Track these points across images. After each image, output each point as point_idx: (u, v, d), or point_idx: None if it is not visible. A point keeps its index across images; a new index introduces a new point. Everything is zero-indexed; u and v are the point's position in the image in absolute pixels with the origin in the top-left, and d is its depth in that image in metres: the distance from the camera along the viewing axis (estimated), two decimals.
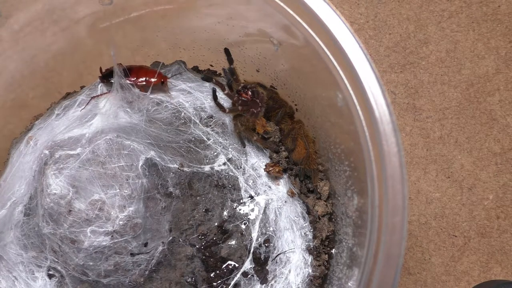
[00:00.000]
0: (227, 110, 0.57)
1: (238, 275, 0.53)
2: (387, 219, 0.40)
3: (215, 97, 0.57)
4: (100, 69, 0.58)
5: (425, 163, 0.75)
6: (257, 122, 0.56)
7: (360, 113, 0.42)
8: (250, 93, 0.55)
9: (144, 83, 0.56)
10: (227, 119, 0.58)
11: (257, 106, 0.55)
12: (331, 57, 0.44)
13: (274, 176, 0.56)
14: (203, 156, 0.56)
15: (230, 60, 0.57)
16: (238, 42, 0.57)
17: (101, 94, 0.57)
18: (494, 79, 0.77)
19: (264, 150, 0.58)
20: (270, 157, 0.57)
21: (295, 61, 0.55)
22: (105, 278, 0.51)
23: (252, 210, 0.55)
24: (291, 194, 0.56)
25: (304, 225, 0.55)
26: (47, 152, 0.53)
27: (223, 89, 0.58)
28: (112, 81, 0.56)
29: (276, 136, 0.58)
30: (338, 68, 0.43)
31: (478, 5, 0.78)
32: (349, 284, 0.48)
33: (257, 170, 0.56)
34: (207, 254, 0.54)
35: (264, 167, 0.56)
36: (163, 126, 0.56)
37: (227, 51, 0.57)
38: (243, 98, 0.55)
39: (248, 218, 0.55)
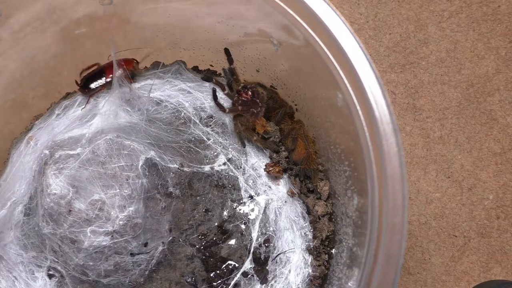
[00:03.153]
0: (227, 110, 0.57)
1: (238, 275, 0.53)
2: (387, 219, 0.40)
3: (215, 97, 0.57)
4: (76, 82, 0.58)
5: (425, 163, 0.75)
6: (257, 122, 0.56)
7: (360, 113, 0.42)
8: (250, 93, 0.55)
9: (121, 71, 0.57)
10: (227, 119, 0.58)
11: (257, 106, 0.55)
12: (331, 57, 0.44)
13: (274, 176, 0.56)
14: (203, 156, 0.56)
15: (230, 60, 0.57)
16: (238, 42, 0.57)
17: (99, 90, 0.57)
18: (494, 79, 0.77)
19: (264, 150, 0.58)
20: (270, 157, 0.57)
21: (295, 61, 0.55)
22: (105, 278, 0.51)
23: (252, 210, 0.55)
24: (291, 194, 0.56)
25: (304, 225, 0.55)
26: (47, 152, 0.53)
27: (223, 89, 0.58)
28: (93, 86, 0.57)
29: (276, 136, 0.58)
30: (338, 68, 0.43)
31: (478, 5, 0.78)
32: (349, 284, 0.48)
33: (257, 170, 0.56)
34: (207, 254, 0.54)
35: (264, 167, 0.56)
36: (163, 126, 0.56)
37: (227, 51, 0.57)
38: (243, 98, 0.55)
39: (248, 218, 0.55)
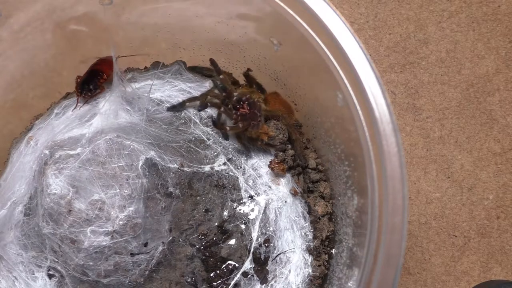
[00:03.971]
0: (228, 129, 0.55)
1: (238, 275, 0.53)
2: (387, 219, 0.40)
3: (215, 124, 0.56)
4: (77, 88, 0.56)
5: (425, 163, 0.75)
6: (260, 132, 0.55)
7: (360, 113, 0.42)
8: (247, 106, 0.53)
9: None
10: (228, 120, 0.58)
11: (257, 117, 0.54)
12: (331, 57, 0.44)
13: (276, 173, 0.56)
14: (203, 156, 0.56)
15: (217, 70, 0.55)
16: (238, 42, 0.57)
17: (99, 92, 0.57)
18: (494, 79, 0.77)
19: (265, 150, 0.58)
20: (276, 155, 0.57)
21: (295, 61, 0.55)
22: (105, 278, 0.51)
23: (252, 210, 0.55)
24: (294, 192, 0.56)
25: (305, 225, 0.55)
26: (47, 152, 0.53)
27: (218, 107, 0.56)
28: (91, 87, 0.56)
29: (285, 136, 0.58)
30: (338, 68, 0.43)
31: (478, 5, 0.78)
32: (349, 284, 0.48)
33: (257, 170, 0.56)
34: (207, 254, 0.54)
35: (269, 163, 0.56)
36: (163, 126, 0.56)
37: (213, 62, 0.55)
38: (242, 113, 0.53)
39: (248, 218, 0.55)
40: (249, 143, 0.56)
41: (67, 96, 0.61)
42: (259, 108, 0.54)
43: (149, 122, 0.56)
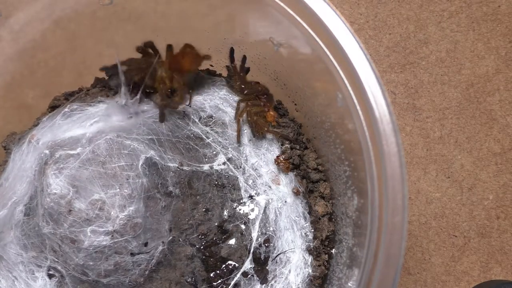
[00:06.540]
0: (243, 75, 0.58)
1: (238, 275, 0.53)
2: (387, 219, 0.40)
3: (232, 59, 0.58)
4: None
5: (425, 163, 0.75)
6: (270, 113, 0.56)
7: (360, 113, 0.42)
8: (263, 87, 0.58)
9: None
10: (227, 119, 0.58)
11: (272, 101, 0.57)
12: (331, 57, 0.44)
13: (281, 169, 0.56)
14: (202, 155, 0.56)
15: (231, 58, 0.58)
16: (238, 42, 0.57)
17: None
18: (494, 79, 0.77)
19: (266, 150, 0.58)
20: (283, 152, 0.57)
21: (295, 61, 0.55)
22: (105, 278, 0.51)
23: (252, 210, 0.55)
24: (296, 191, 0.56)
25: (305, 225, 0.55)
26: (47, 151, 0.53)
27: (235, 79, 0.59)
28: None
29: (295, 128, 0.58)
30: (338, 68, 0.43)
31: (478, 5, 0.78)
32: (349, 284, 0.48)
33: (257, 170, 0.56)
34: (207, 254, 0.54)
35: (276, 157, 0.56)
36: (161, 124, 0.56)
37: (231, 50, 0.58)
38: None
39: (248, 218, 0.55)
40: (259, 124, 0.56)
41: (75, 99, 0.59)
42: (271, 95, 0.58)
43: (148, 118, 0.56)
